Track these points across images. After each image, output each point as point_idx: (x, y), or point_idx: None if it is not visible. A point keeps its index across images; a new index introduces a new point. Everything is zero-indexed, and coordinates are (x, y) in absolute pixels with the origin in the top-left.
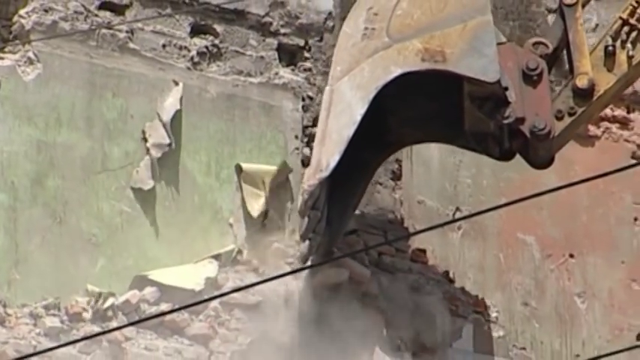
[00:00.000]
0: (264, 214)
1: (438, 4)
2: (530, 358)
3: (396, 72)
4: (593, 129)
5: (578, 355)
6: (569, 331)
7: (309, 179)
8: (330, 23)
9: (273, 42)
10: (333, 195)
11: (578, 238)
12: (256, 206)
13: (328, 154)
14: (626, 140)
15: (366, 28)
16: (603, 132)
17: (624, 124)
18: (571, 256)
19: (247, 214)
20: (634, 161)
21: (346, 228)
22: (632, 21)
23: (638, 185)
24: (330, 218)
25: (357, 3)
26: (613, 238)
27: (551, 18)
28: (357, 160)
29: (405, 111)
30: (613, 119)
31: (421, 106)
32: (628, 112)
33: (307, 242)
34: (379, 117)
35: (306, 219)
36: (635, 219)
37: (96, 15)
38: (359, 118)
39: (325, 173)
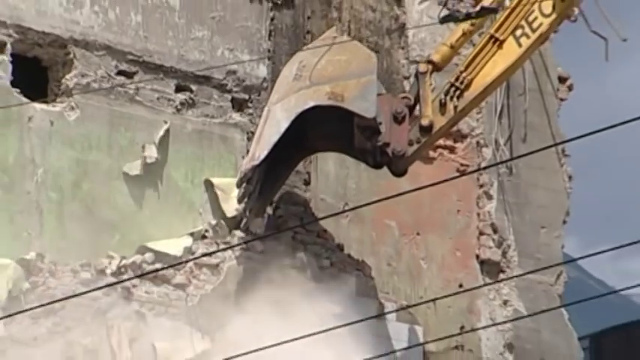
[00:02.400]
0: (239, 214)
1: (344, 64)
2: (391, 299)
3: (310, 104)
4: (432, 153)
5: (421, 297)
6: (416, 282)
7: (245, 165)
8: (264, 85)
9: (228, 96)
10: (267, 176)
11: (423, 222)
12: (229, 208)
13: (260, 150)
14: (453, 160)
15: (296, 74)
16: (438, 155)
17: (452, 150)
18: (418, 234)
19: (214, 209)
20: (457, 174)
21: (273, 198)
22: (457, 84)
23: (461, 189)
24: (263, 191)
25: (293, 57)
26: (444, 222)
27: (406, 82)
28: (286, 155)
29: (320, 129)
30: (444, 147)
31: (330, 128)
32: (454, 142)
33: (242, 204)
34: (303, 131)
35: (242, 189)
36: (458, 210)
37: (114, 78)
38: (282, 130)
39: (256, 162)
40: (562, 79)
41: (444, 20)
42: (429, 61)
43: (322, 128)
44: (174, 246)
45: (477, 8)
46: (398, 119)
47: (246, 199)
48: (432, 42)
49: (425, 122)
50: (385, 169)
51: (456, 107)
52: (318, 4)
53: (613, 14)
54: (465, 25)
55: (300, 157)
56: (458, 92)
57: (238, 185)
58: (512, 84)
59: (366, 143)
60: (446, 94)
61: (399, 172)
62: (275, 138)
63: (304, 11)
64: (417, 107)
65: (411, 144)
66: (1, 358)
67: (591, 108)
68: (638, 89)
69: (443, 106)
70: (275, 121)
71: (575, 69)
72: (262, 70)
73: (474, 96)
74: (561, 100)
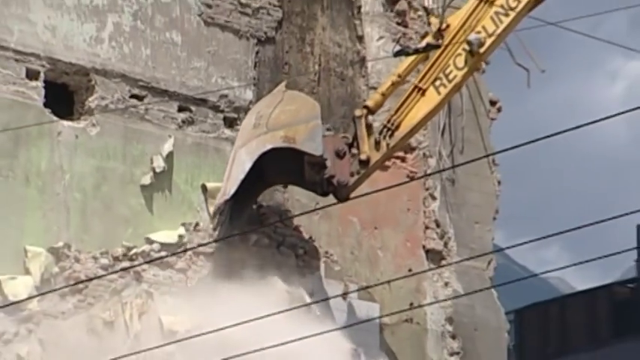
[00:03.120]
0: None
1: (294, 112)
2: (353, 281)
3: (268, 147)
4: (387, 162)
5: (378, 279)
6: (374, 267)
7: (218, 199)
8: (250, 106)
9: (220, 115)
10: (235, 207)
11: (379, 219)
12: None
13: (229, 186)
14: (404, 168)
15: (255, 123)
16: (392, 164)
17: (403, 159)
18: (375, 228)
19: (208, 208)
20: (407, 179)
21: (243, 221)
22: (388, 125)
23: (410, 192)
24: (232, 217)
25: (252, 109)
26: (397, 219)
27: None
28: (250, 189)
29: (276, 167)
30: (397, 157)
31: (284, 165)
32: (405, 153)
33: (217, 230)
34: (263, 168)
35: (216, 219)
36: (408, 209)
37: (128, 101)
38: (247, 169)
39: (227, 197)
40: (492, 102)
41: (396, 54)
42: (365, 107)
43: (278, 166)
44: (170, 236)
45: (423, 44)
46: (340, 155)
47: (219, 227)
48: (386, 71)
49: (363, 157)
50: None
51: (388, 145)
52: (295, 40)
53: (535, 48)
54: (394, 77)
55: (261, 189)
56: (389, 132)
57: (213, 217)
58: (453, 106)
59: (315, 176)
60: (380, 134)
61: (342, 198)
62: (241, 176)
63: (283, 46)
64: (356, 144)
65: (352, 175)
66: (35, 329)
67: (516, 126)
68: (555, 111)
69: (377, 143)
70: (240, 162)
71: (503, 94)
72: (249, 94)
73: (403, 135)
74: (492, 119)
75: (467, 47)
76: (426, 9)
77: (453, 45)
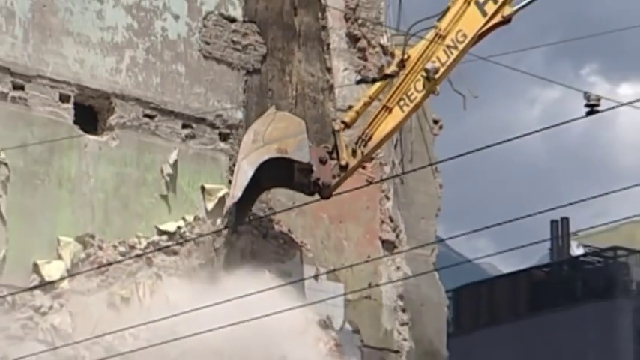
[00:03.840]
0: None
1: (284, 129)
2: (323, 265)
3: (265, 157)
4: None
5: (343, 264)
6: (340, 254)
7: (228, 203)
8: (240, 124)
9: (216, 131)
10: (240, 207)
11: (344, 215)
12: (210, 205)
13: (236, 192)
14: (364, 174)
15: (253, 139)
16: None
17: (363, 167)
18: (341, 222)
19: (206, 205)
20: (367, 183)
21: (245, 218)
22: (363, 137)
23: (369, 194)
24: (238, 217)
25: (250, 128)
26: (358, 215)
27: (334, 122)
28: (251, 192)
29: (271, 173)
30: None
31: (277, 172)
32: (365, 163)
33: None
34: (260, 175)
35: (227, 218)
36: (367, 207)
37: (141, 119)
38: (249, 177)
39: (235, 200)
40: (435, 122)
41: (358, 82)
42: (343, 122)
43: (272, 173)
44: (171, 226)
45: (381, 75)
46: (323, 162)
47: (229, 223)
48: (350, 96)
49: (343, 163)
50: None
51: (362, 152)
52: (276, 71)
53: (469, 78)
54: (366, 98)
55: (259, 192)
56: (364, 143)
57: (224, 216)
58: (404, 125)
59: (304, 179)
60: (356, 144)
61: (326, 197)
62: (245, 183)
63: (267, 76)
64: (335, 153)
65: (333, 177)
66: (66, 303)
67: (455, 141)
68: (486, 129)
69: (354, 152)
70: (243, 171)
71: (444, 114)
72: (239, 115)
73: (374, 145)
74: (435, 135)
75: (424, 74)
76: (382, 46)
77: (413, 72)
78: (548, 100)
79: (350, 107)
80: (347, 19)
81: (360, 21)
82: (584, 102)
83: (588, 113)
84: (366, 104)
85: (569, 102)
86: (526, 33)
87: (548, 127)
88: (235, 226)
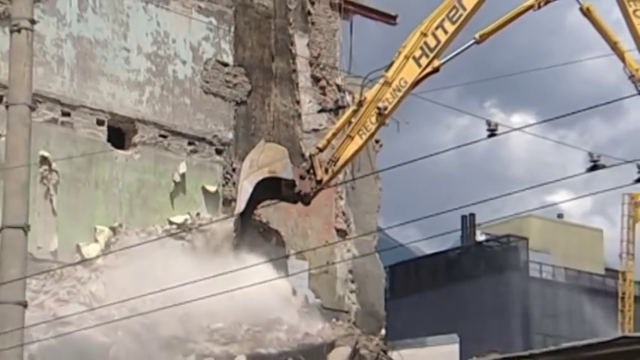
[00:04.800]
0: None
1: (272, 156)
2: (293, 248)
3: (260, 177)
4: None
5: (308, 247)
6: (305, 240)
7: (233, 212)
8: (231, 142)
9: (213, 148)
10: (242, 216)
11: (309, 210)
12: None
13: (240, 206)
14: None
15: (250, 164)
16: None
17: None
18: (307, 215)
19: (206, 203)
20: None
21: (248, 223)
22: (333, 159)
23: (327, 194)
24: (242, 224)
25: (247, 157)
26: (320, 210)
27: (302, 143)
28: (250, 205)
29: (263, 189)
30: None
31: (268, 188)
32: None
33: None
34: (256, 193)
35: (236, 226)
36: (326, 205)
37: (158, 138)
38: (249, 194)
39: (240, 211)
40: (376, 141)
41: (319, 111)
42: (317, 148)
43: (266, 188)
44: (180, 219)
45: (335, 106)
46: (303, 178)
47: (238, 229)
48: (314, 122)
49: (318, 178)
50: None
51: (332, 170)
52: (258, 103)
53: (402, 109)
54: (334, 130)
55: (256, 205)
56: (333, 163)
57: (235, 226)
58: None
59: (289, 192)
60: (328, 164)
61: (306, 204)
62: (247, 197)
63: (251, 106)
64: (312, 171)
65: (311, 189)
66: (100, 275)
67: (392, 156)
68: (414, 148)
69: (326, 170)
70: (245, 189)
71: (383, 136)
72: (230, 135)
73: (341, 164)
74: (376, 151)
75: (377, 110)
76: (337, 85)
77: (368, 109)
78: (460, 127)
79: (313, 130)
80: (311, 65)
81: (320, 66)
82: (486, 127)
83: (489, 136)
84: (334, 134)
85: (475, 128)
86: (444, 75)
87: (460, 146)
88: (241, 229)
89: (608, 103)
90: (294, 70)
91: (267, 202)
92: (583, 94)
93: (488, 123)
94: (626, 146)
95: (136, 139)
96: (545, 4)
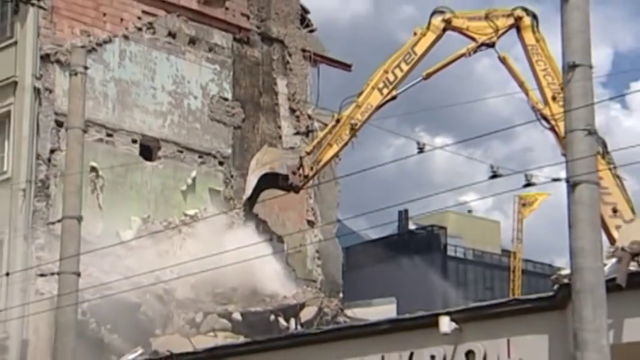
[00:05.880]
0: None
1: (272, 156)
2: (275, 233)
3: (263, 172)
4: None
5: (286, 233)
6: (284, 227)
7: (244, 198)
8: (230, 157)
9: (217, 160)
10: (248, 201)
11: (287, 206)
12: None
13: (247, 192)
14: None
15: (256, 163)
16: None
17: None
18: (285, 210)
19: (213, 201)
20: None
21: (253, 206)
22: (316, 159)
23: (301, 195)
24: (249, 204)
25: (254, 157)
26: (295, 205)
27: (285, 152)
28: (255, 192)
29: (264, 180)
30: None
31: (268, 179)
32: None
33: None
34: (259, 183)
35: (245, 207)
36: (299, 202)
37: (176, 154)
38: (254, 184)
39: (246, 197)
40: (337, 155)
41: (295, 134)
42: (306, 152)
43: (267, 179)
44: (192, 212)
45: (306, 131)
46: (294, 173)
47: (245, 209)
48: (291, 141)
49: (305, 174)
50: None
51: (316, 168)
52: (250, 127)
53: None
54: (315, 142)
55: (259, 192)
56: (317, 163)
57: (243, 206)
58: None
59: (284, 183)
60: (312, 163)
61: (297, 192)
62: (253, 186)
63: (245, 130)
64: (301, 168)
65: (300, 182)
66: (133, 253)
67: (349, 166)
68: (364, 162)
69: (311, 168)
70: (251, 181)
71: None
72: (229, 151)
73: (322, 164)
74: (336, 163)
75: (350, 125)
76: (308, 115)
77: (343, 125)
78: (398, 145)
79: (290, 148)
80: (289, 100)
81: (296, 100)
82: (417, 146)
83: (419, 152)
84: (319, 142)
85: (409, 146)
86: (386, 108)
87: (397, 160)
88: (248, 209)
89: (504, 129)
90: (277, 104)
91: (267, 191)
92: (486, 122)
93: (418, 143)
94: (517, 161)
95: (160, 153)
96: (475, 52)
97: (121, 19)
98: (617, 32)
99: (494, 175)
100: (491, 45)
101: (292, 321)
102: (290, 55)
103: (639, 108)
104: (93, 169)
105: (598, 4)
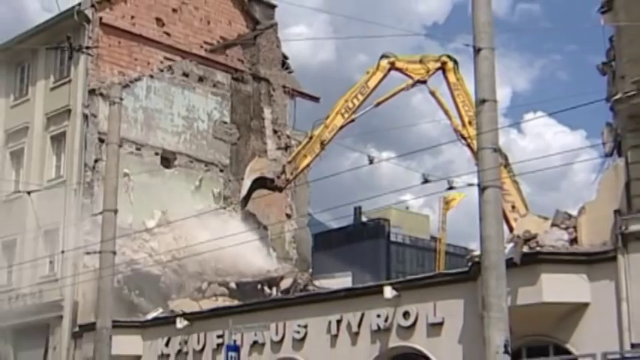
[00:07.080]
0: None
1: (261, 165)
2: (262, 223)
3: (254, 177)
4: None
5: (269, 223)
6: (269, 219)
7: (239, 196)
8: (228, 166)
9: (218, 167)
10: (244, 199)
11: (272, 202)
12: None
13: (242, 192)
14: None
15: (249, 171)
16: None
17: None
18: (270, 206)
19: (216, 200)
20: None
21: (247, 204)
22: (294, 166)
23: (282, 195)
24: (244, 202)
25: (248, 166)
26: (277, 202)
27: (272, 162)
28: (248, 193)
29: (256, 183)
30: None
31: (259, 182)
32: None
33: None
34: (252, 186)
35: (240, 204)
36: (280, 200)
37: (187, 163)
38: (248, 186)
39: (242, 196)
40: (308, 165)
41: (277, 149)
42: (288, 161)
43: (257, 182)
44: (199, 207)
45: (286, 146)
46: (279, 177)
47: (240, 205)
48: (274, 155)
49: (286, 178)
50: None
51: (294, 174)
52: (243, 145)
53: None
54: (294, 154)
55: (252, 192)
56: (295, 170)
57: (240, 203)
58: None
59: (271, 184)
60: (291, 170)
61: (280, 192)
62: (247, 187)
63: (239, 147)
64: (283, 173)
65: (282, 184)
66: (154, 238)
67: (317, 172)
68: (330, 169)
69: (291, 173)
70: (245, 184)
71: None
72: (227, 161)
73: (299, 171)
74: (308, 170)
75: (320, 141)
76: (287, 135)
77: (315, 141)
78: (354, 158)
79: (274, 160)
80: (272, 123)
81: (278, 124)
82: (368, 158)
83: (370, 163)
84: (297, 154)
85: (362, 159)
86: (346, 129)
87: (353, 169)
88: (243, 205)
89: (433, 146)
90: (263, 126)
91: (258, 190)
92: (420, 141)
93: (369, 156)
94: (443, 170)
95: (175, 163)
96: (412, 87)
97: (148, 63)
98: (514, 77)
99: (426, 181)
100: (424, 82)
101: (274, 289)
102: (274, 90)
103: (530, 133)
104: (125, 174)
105: (501, 57)
